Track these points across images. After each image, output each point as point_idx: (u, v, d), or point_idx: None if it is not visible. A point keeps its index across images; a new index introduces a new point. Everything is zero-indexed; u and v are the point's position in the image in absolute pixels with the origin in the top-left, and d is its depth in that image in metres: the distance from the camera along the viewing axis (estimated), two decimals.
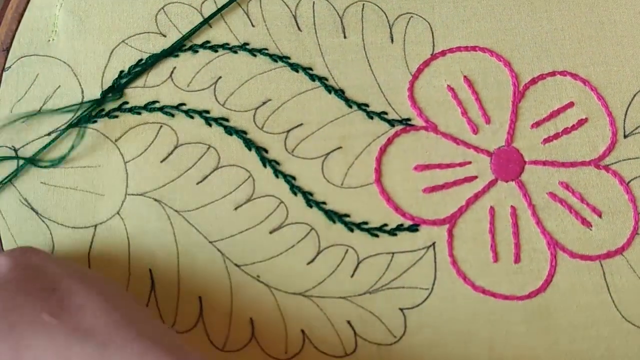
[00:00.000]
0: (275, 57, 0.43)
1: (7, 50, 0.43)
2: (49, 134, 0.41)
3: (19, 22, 0.43)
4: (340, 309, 0.39)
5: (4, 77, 0.42)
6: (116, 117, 0.41)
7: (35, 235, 0.39)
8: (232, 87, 0.42)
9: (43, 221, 0.40)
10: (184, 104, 0.42)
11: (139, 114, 0.41)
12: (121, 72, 0.42)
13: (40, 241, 0.39)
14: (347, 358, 0.39)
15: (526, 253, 0.41)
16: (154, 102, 0.42)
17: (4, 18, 0.44)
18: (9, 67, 0.42)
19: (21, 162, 0.40)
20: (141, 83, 0.42)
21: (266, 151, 0.41)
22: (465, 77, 0.44)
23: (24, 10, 0.44)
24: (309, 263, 0.40)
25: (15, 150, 0.41)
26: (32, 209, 0.40)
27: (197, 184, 0.40)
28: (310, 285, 0.39)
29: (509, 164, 0.42)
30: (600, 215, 0.42)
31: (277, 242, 0.40)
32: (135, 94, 0.42)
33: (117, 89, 0.41)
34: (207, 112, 0.42)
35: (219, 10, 0.43)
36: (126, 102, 0.41)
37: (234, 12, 0.44)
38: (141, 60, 0.42)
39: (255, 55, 0.43)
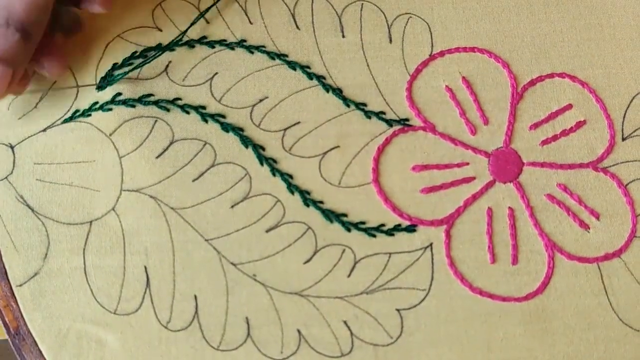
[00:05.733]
0: (272, 55, 0.43)
1: None
2: (44, 130, 0.41)
3: None
4: (336, 309, 0.39)
5: None
6: (110, 109, 0.41)
7: (30, 232, 0.39)
8: (228, 83, 0.42)
9: (38, 218, 0.39)
10: (179, 99, 0.41)
11: (133, 106, 0.41)
12: (114, 64, 0.42)
13: (36, 238, 0.39)
14: (344, 358, 0.39)
15: (524, 255, 0.41)
16: (149, 95, 0.41)
17: None
18: None
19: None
20: (134, 75, 0.42)
21: (263, 149, 0.41)
22: (463, 77, 0.44)
23: None
24: (305, 262, 0.40)
25: (12, 147, 0.41)
26: (28, 205, 0.40)
27: (193, 181, 0.40)
28: (307, 284, 0.39)
29: (507, 165, 0.42)
30: (598, 218, 0.42)
31: (273, 241, 0.40)
32: (129, 86, 0.41)
33: (110, 78, 0.41)
34: (203, 107, 0.41)
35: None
36: (119, 94, 0.41)
37: (231, 9, 0.43)
38: (135, 52, 0.42)
39: (252, 52, 0.43)
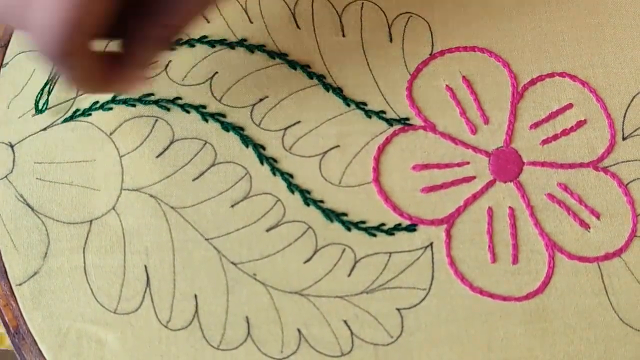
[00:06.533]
0: (272, 54, 0.43)
1: (6, 46, 0.43)
2: (44, 129, 0.41)
3: None
4: (336, 308, 0.39)
5: (2, 73, 0.42)
6: (110, 109, 0.41)
7: (30, 231, 0.39)
8: (228, 82, 0.42)
9: (38, 217, 0.39)
10: (179, 98, 0.41)
11: (134, 105, 0.41)
12: None
13: (36, 237, 0.39)
14: (344, 358, 0.38)
15: (524, 254, 0.41)
16: (149, 94, 0.41)
17: None
18: (7, 63, 0.42)
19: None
20: None
21: (263, 148, 0.41)
22: (464, 77, 0.44)
23: None
24: (305, 262, 0.39)
25: (12, 146, 0.41)
26: (28, 204, 0.40)
27: (194, 180, 0.40)
28: (307, 284, 0.39)
29: (507, 165, 0.42)
30: (598, 217, 0.42)
31: (273, 241, 0.40)
32: None
33: None
34: (204, 107, 0.41)
35: None
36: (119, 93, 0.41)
37: (232, 8, 0.43)
38: None
39: (252, 52, 0.43)
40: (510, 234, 0.41)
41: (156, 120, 0.41)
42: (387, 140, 0.42)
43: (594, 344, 0.40)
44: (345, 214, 0.40)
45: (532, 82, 0.44)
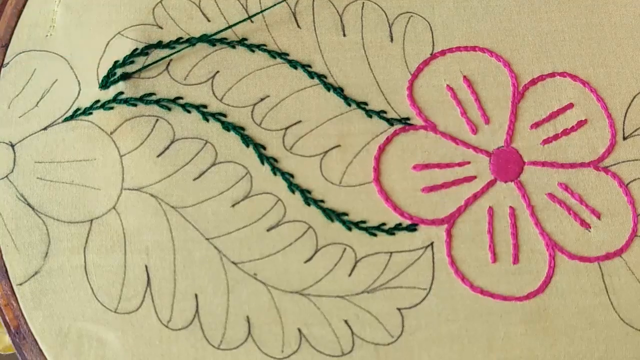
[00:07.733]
0: (273, 54, 0.43)
1: (6, 46, 0.43)
2: (45, 129, 0.41)
3: (18, 18, 0.44)
4: (337, 308, 0.39)
5: (2, 73, 0.42)
6: (111, 108, 0.41)
7: (31, 231, 0.39)
8: (230, 82, 0.42)
9: (39, 216, 0.39)
10: (180, 98, 0.41)
11: (135, 105, 0.41)
12: (116, 62, 0.42)
13: (36, 236, 0.39)
14: (344, 357, 0.38)
15: (525, 254, 0.41)
16: (150, 94, 0.41)
17: (3, 14, 0.44)
18: (7, 63, 0.43)
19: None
20: (136, 74, 0.42)
21: (264, 148, 0.41)
22: (464, 77, 0.44)
23: (23, 6, 0.44)
24: (306, 261, 0.39)
25: (12, 146, 0.41)
26: (28, 204, 0.40)
27: (194, 180, 0.40)
28: (308, 283, 0.39)
29: (508, 165, 0.42)
30: (599, 217, 0.42)
31: (274, 240, 0.40)
32: (130, 85, 0.41)
33: (115, 78, 0.41)
34: (205, 106, 0.41)
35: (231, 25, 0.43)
36: (121, 93, 0.41)
37: (232, 7, 0.43)
38: (136, 50, 0.42)
39: (253, 51, 0.43)
40: (510, 234, 0.41)
41: (157, 120, 0.41)
42: (388, 140, 0.42)
43: (595, 343, 0.40)
44: (345, 214, 0.40)
45: (533, 82, 0.44)
